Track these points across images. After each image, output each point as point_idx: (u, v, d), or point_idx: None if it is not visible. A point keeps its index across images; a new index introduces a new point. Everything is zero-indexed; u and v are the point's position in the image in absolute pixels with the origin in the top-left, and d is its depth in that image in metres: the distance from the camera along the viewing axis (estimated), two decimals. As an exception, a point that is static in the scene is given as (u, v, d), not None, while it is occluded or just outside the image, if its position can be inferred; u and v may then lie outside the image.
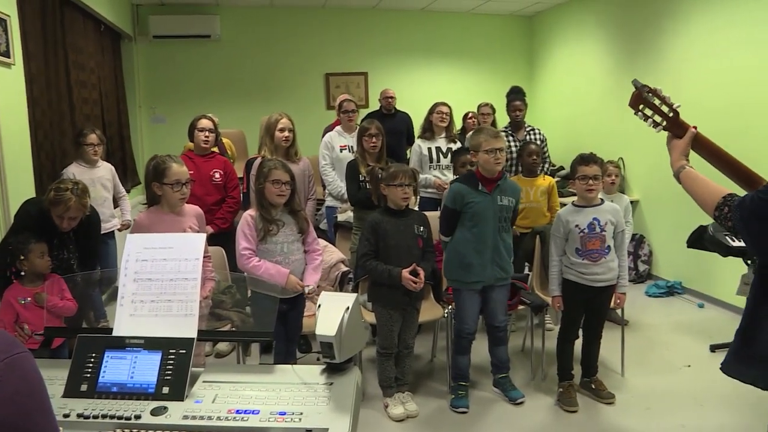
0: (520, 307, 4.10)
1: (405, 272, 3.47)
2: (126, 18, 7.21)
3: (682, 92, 5.74)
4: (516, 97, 5.48)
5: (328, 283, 4.01)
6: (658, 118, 2.03)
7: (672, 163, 2.01)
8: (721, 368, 1.89)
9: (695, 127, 2.00)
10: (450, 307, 3.97)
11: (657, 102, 2.02)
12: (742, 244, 4.26)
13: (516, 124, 5.40)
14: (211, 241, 4.13)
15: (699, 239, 4.49)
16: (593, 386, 3.85)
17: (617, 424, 3.56)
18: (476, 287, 3.67)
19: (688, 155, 2.00)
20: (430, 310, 4.01)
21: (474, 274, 3.62)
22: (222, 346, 4.48)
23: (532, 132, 5.42)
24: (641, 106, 2.04)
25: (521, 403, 3.77)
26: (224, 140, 6.42)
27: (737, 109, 5.18)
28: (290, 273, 3.34)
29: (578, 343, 3.87)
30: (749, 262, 4.30)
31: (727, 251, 4.31)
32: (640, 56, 6.59)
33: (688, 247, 4.63)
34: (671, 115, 2.02)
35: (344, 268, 4.07)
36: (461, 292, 3.70)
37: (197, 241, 2.09)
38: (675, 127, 2.03)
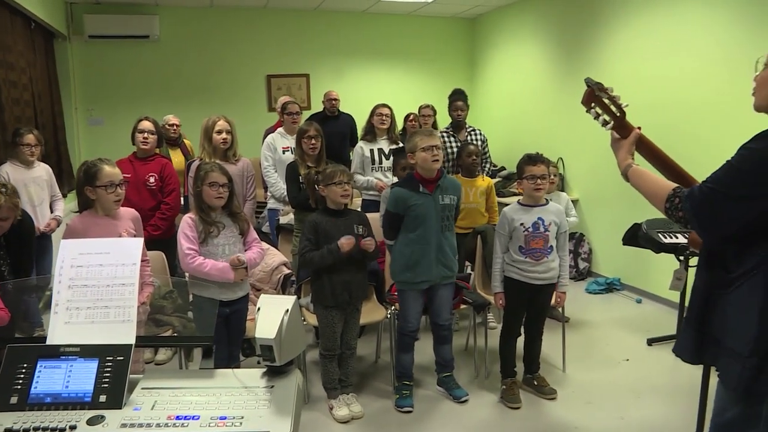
0: (463, 306, 4.14)
1: (342, 240, 3.45)
2: (59, 16, 6.99)
3: (617, 92, 5.90)
4: (458, 97, 5.53)
5: (271, 285, 3.98)
6: (607, 117, 2.08)
7: (619, 163, 2.08)
8: (677, 354, 1.97)
9: (639, 128, 2.07)
10: (393, 307, 3.99)
11: (607, 101, 2.08)
12: (673, 240, 4.43)
13: (457, 125, 5.45)
14: (152, 246, 4.07)
15: (634, 237, 4.63)
16: (536, 382, 3.92)
17: (559, 418, 3.64)
18: (423, 287, 3.70)
19: (633, 155, 2.07)
20: (373, 312, 4.03)
21: (420, 274, 3.65)
22: (161, 356, 4.40)
23: (473, 132, 5.48)
24: (593, 104, 2.09)
25: (465, 401, 3.81)
26: (186, 141, 6.32)
27: (668, 107, 5.41)
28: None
29: (520, 341, 3.93)
30: (680, 258, 4.44)
31: (659, 248, 4.46)
32: (577, 58, 6.75)
33: (624, 244, 4.77)
34: (619, 114, 2.07)
35: (286, 271, 4.04)
36: (406, 291, 3.73)
37: (134, 245, 2.05)
38: (621, 127, 2.08)
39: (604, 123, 2.09)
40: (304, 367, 3.97)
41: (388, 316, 4.00)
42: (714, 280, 1.83)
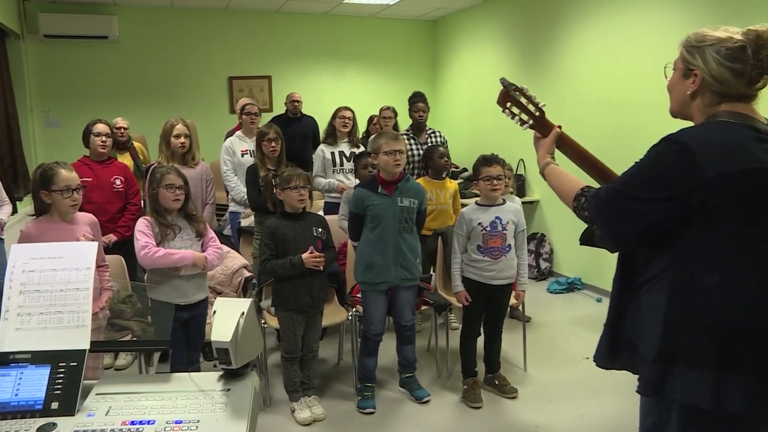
0: (424, 307, 4.16)
1: (306, 254, 3.47)
2: (11, 14, 6.80)
3: (577, 91, 6.09)
4: (419, 99, 5.53)
5: (231, 288, 3.95)
6: (525, 117, 2.09)
7: (538, 161, 2.09)
8: (595, 362, 1.97)
9: (560, 127, 2.07)
10: (354, 309, 4.00)
11: (524, 101, 2.08)
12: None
13: (418, 126, 5.46)
14: (114, 249, 4.02)
15: (590, 237, 4.67)
16: (497, 382, 3.96)
17: (520, 417, 3.68)
18: (382, 288, 3.71)
19: (553, 153, 2.08)
20: (334, 314, 4.03)
21: (378, 275, 3.66)
22: (120, 361, 4.35)
23: (433, 135, 5.50)
24: (508, 104, 2.09)
25: (427, 401, 3.82)
26: (136, 144, 6.22)
27: (624, 105, 5.55)
28: (193, 264, 3.32)
29: (481, 341, 3.96)
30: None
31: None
32: (537, 59, 6.85)
33: (581, 244, 4.82)
34: (537, 114, 2.08)
35: (247, 274, 4.01)
36: (368, 293, 3.74)
37: (88, 249, 2.02)
38: (541, 126, 2.09)
39: (521, 122, 2.10)
40: (266, 370, 3.96)
41: (350, 317, 4.00)
42: (626, 284, 1.83)
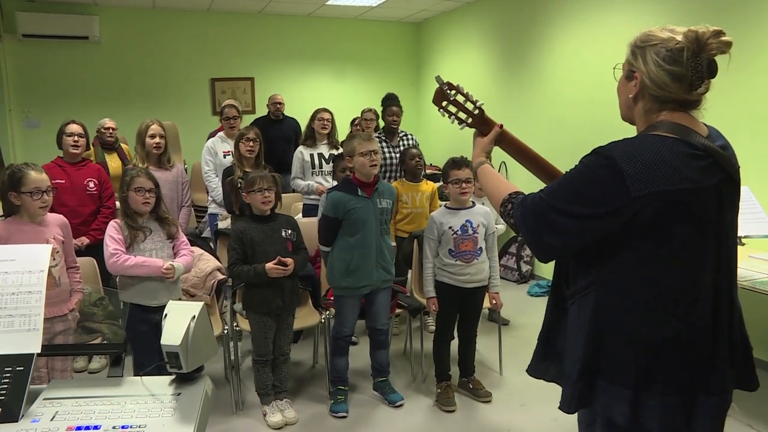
0: (398, 310, 4.14)
1: (269, 265, 3.44)
2: (-13, 14, 6.76)
3: (558, 91, 6.10)
4: (393, 103, 5.50)
5: (204, 291, 3.92)
6: (463, 115, 2.03)
7: (473, 159, 2.03)
8: (527, 371, 1.92)
9: (501, 125, 2.01)
10: (328, 312, 3.97)
11: (461, 99, 2.01)
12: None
13: (391, 130, 5.45)
14: (87, 252, 3.98)
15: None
16: (471, 386, 3.94)
17: (493, 421, 3.66)
18: (364, 291, 3.67)
19: (489, 152, 2.01)
20: (307, 316, 4.01)
21: (361, 279, 3.62)
22: (94, 364, 4.33)
23: (405, 137, 5.48)
24: (444, 104, 2.02)
25: (400, 405, 3.80)
26: (124, 146, 6.17)
27: (606, 105, 5.50)
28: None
29: (456, 344, 3.94)
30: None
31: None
32: (520, 60, 6.86)
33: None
34: (476, 112, 2.02)
35: (220, 276, 3.98)
36: (344, 297, 3.69)
37: (42, 252, 1.98)
38: (481, 124, 2.03)
39: (460, 122, 2.03)
40: (238, 373, 3.93)
41: (323, 320, 3.98)
42: (557, 296, 1.78)
